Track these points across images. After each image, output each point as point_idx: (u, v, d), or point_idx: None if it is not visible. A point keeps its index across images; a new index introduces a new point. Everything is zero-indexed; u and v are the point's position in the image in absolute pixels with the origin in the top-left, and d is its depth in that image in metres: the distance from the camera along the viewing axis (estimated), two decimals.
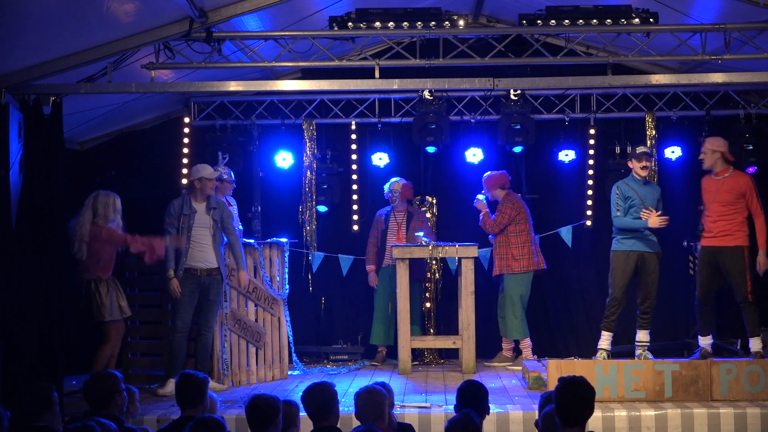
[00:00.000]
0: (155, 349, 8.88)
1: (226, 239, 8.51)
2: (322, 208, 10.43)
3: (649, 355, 8.74)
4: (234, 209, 9.31)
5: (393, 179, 10.01)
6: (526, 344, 9.70)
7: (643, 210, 8.61)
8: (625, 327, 9.39)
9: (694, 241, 8.72)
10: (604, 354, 8.70)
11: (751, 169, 9.84)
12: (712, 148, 8.51)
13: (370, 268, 10.06)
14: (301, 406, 5.25)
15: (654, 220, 8.53)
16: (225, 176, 9.04)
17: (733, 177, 8.50)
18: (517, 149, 10.13)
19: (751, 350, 8.48)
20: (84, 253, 8.01)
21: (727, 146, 8.57)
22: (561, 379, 4.47)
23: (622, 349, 9.60)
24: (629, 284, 8.74)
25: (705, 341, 8.58)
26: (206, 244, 8.27)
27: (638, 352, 8.80)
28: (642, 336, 8.81)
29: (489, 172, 9.80)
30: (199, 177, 8.33)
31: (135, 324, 8.96)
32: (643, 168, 8.73)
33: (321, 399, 4.98)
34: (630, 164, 8.88)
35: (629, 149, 10.09)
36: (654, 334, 9.77)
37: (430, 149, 10.02)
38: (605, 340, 8.76)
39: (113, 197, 8.22)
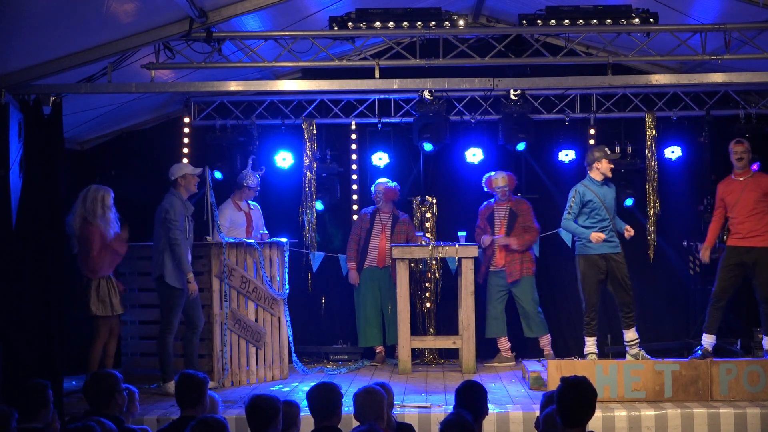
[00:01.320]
0: (155, 349, 8.87)
1: (230, 239, 8.55)
2: (320, 206, 10.43)
3: (643, 352, 8.75)
4: (258, 212, 9.54)
5: (379, 180, 10.02)
6: (548, 340, 9.78)
7: (594, 233, 8.63)
8: None
9: (722, 244, 8.71)
10: (594, 357, 8.72)
11: (754, 166, 9.84)
12: (749, 148, 8.57)
13: (352, 265, 10.00)
14: (301, 406, 5.25)
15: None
16: (247, 182, 9.24)
17: (755, 177, 8.59)
18: (521, 146, 10.10)
19: (765, 347, 8.48)
20: (76, 247, 8.04)
21: None
22: (563, 379, 4.47)
23: (622, 348, 9.60)
24: (601, 288, 8.77)
25: (708, 339, 8.55)
26: (188, 245, 8.31)
27: (633, 351, 8.79)
28: (630, 335, 8.83)
29: (508, 173, 9.79)
30: (183, 174, 8.31)
31: (135, 324, 8.97)
32: (611, 169, 8.82)
33: (327, 398, 4.98)
34: (598, 165, 8.81)
35: (629, 149, 10.11)
36: (654, 334, 9.80)
37: (427, 146, 9.99)
38: (591, 345, 8.80)
39: (102, 192, 8.22)
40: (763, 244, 8.43)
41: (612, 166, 8.85)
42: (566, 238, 10.25)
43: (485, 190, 9.85)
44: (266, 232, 9.39)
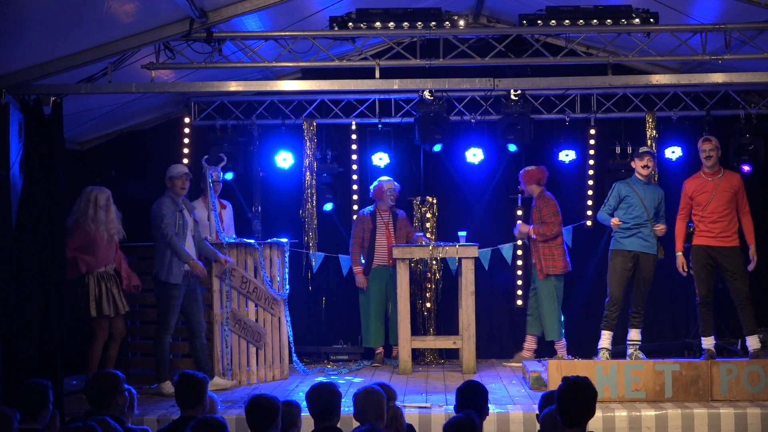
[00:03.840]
0: None
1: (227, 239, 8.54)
2: (329, 206, 10.40)
3: (641, 354, 8.76)
4: (228, 211, 9.39)
5: (386, 178, 9.96)
6: (562, 345, 9.71)
7: (613, 218, 8.88)
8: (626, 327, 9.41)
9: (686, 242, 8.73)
10: (606, 354, 8.72)
11: (746, 168, 9.85)
12: (718, 146, 8.59)
13: (358, 269, 9.95)
14: (301, 406, 5.25)
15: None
16: (212, 176, 9.02)
17: (727, 176, 8.60)
18: (512, 147, 10.09)
19: (749, 348, 8.49)
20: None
21: None
22: (565, 379, 4.48)
23: (620, 349, 9.61)
24: (627, 283, 8.78)
25: (708, 342, 8.55)
26: (191, 243, 8.29)
27: (630, 351, 8.83)
28: (634, 335, 8.86)
29: (527, 167, 9.81)
30: (169, 177, 8.31)
31: (135, 324, 8.96)
32: (643, 167, 8.83)
33: (326, 399, 4.98)
34: (632, 164, 9.03)
35: (629, 149, 10.16)
36: (654, 334, 9.78)
37: (437, 147, 9.95)
38: (606, 339, 8.79)
39: (96, 192, 8.19)
40: (733, 243, 8.50)
41: (644, 162, 8.85)
42: (566, 238, 10.28)
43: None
44: (231, 239, 8.92)
